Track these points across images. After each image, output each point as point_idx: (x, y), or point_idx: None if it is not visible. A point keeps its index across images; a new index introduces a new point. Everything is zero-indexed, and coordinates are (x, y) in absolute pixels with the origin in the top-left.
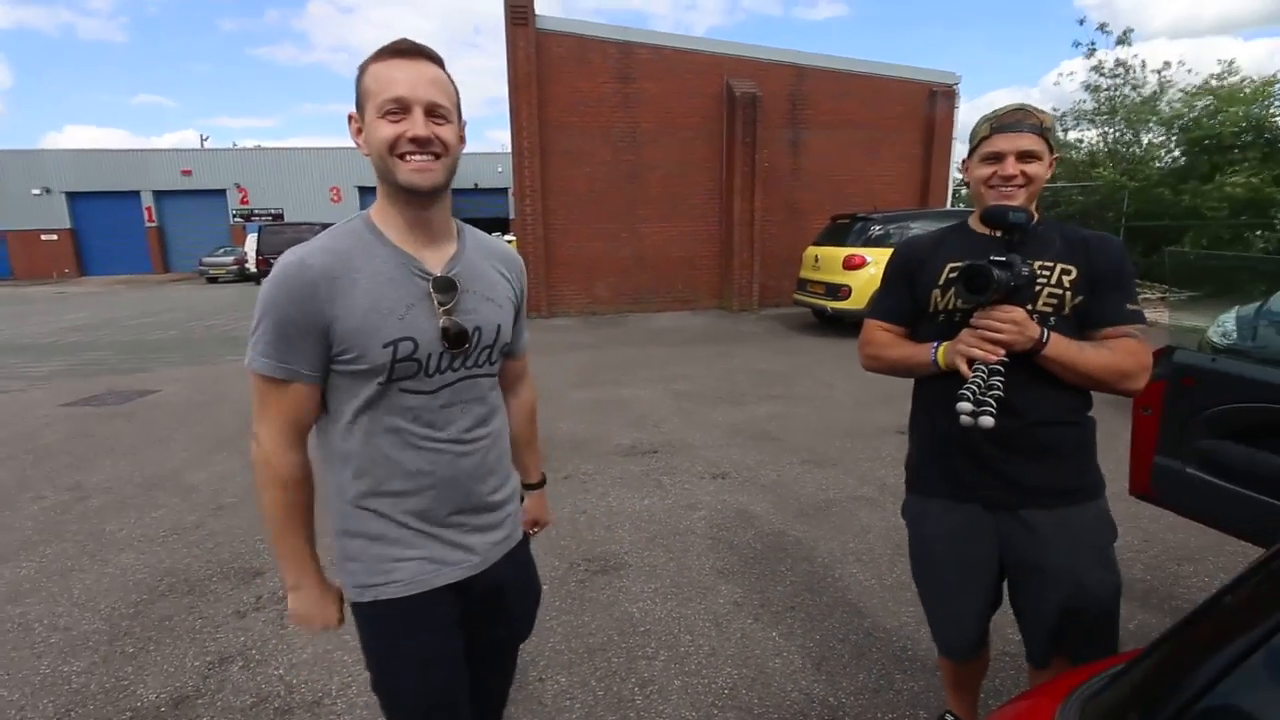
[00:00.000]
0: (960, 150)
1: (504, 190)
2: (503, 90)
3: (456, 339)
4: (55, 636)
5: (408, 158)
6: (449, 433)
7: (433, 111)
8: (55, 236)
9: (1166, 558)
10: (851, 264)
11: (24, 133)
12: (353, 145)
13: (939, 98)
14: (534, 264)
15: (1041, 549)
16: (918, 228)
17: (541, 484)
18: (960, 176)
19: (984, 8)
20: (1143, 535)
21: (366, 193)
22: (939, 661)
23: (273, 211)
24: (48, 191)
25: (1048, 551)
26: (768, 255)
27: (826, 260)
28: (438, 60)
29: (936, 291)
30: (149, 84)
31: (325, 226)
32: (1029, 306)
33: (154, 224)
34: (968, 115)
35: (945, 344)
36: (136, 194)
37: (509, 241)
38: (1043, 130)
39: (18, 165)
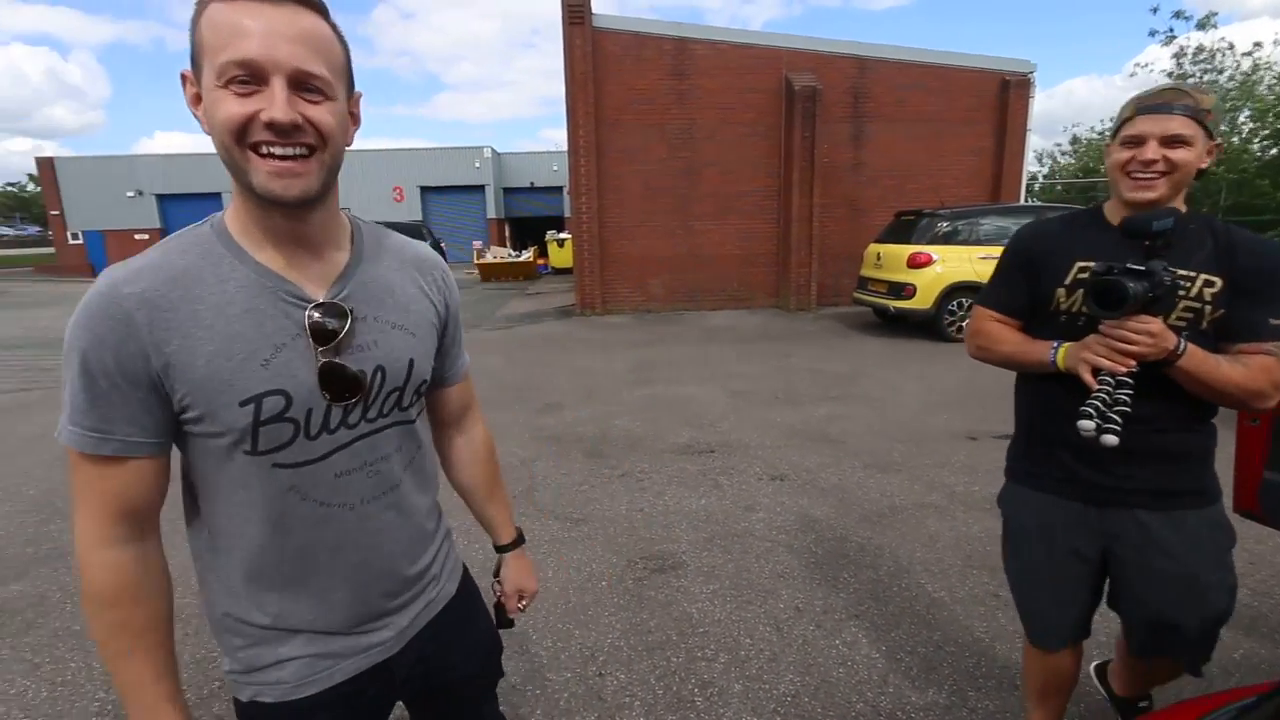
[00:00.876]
0: (1036, 142)
1: (559, 189)
2: (557, 90)
3: (345, 387)
4: None
5: (264, 152)
6: (352, 509)
7: (302, 83)
8: (146, 236)
9: (1275, 582)
10: (916, 262)
11: (120, 139)
12: (416, 146)
13: (1012, 87)
14: (589, 261)
15: (1158, 549)
16: (988, 225)
17: (518, 543)
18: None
19: None
20: (1248, 557)
21: (429, 192)
22: (1024, 667)
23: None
24: (140, 194)
25: (1165, 551)
26: (826, 252)
27: (889, 258)
28: (316, 6)
29: (1061, 290)
30: None
31: (389, 226)
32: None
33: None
34: (1044, 105)
35: (1067, 345)
36: (218, 195)
37: (563, 240)
38: (1197, 113)
39: (115, 170)
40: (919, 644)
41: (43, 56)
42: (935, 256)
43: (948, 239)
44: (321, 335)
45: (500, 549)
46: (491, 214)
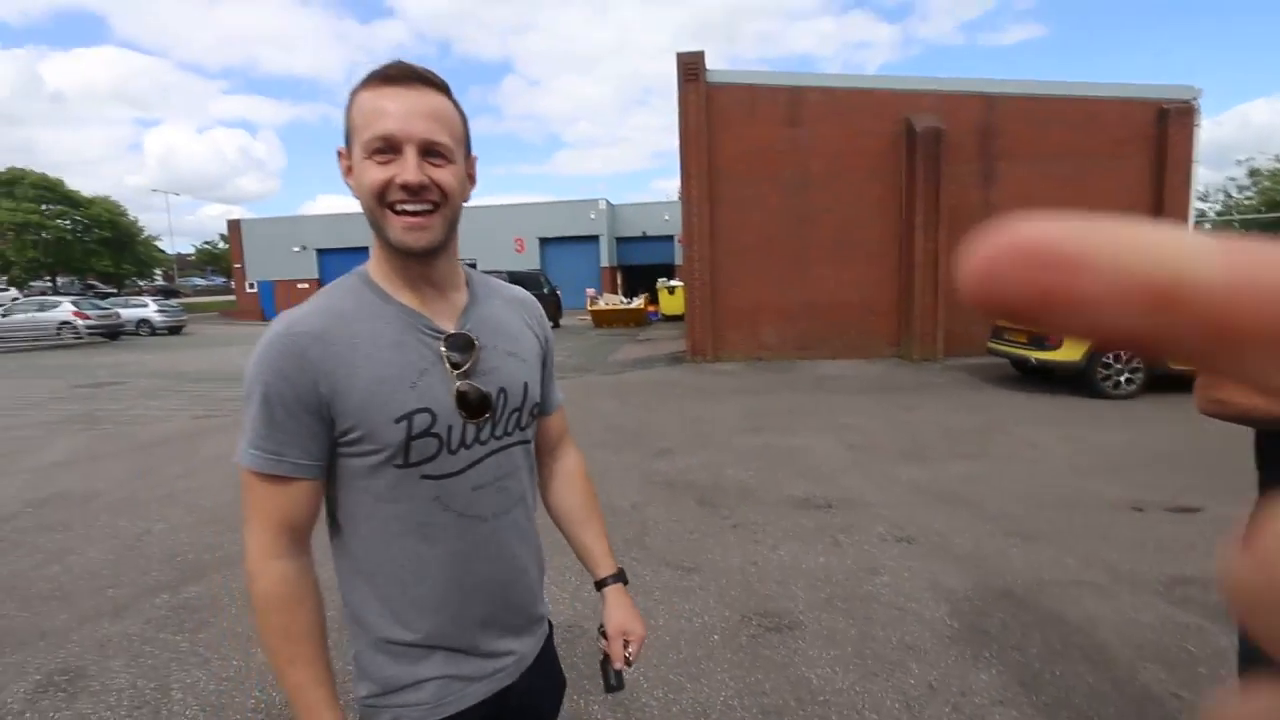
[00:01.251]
0: (1205, 176)
1: (670, 238)
2: (668, 143)
3: (477, 406)
4: None
5: (399, 210)
6: (484, 521)
7: (429, 150)
8: (306, 285)
9: None
10: None
11: (290, 202)
12: (537, 200)
13: (1172, 117)
14: (700, 309)
15: None
16: None
17: (620, 578)
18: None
19: (1220, 7)
20: None
21: (548, 242)
22: None
23: (468, 261)
24: (304, 249)
25: None
26: (954, 299)
27: None
28: (440, 85)
29: None
30: None
31: (511, 274)
32: None
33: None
34: (1212, 134)
35: None
36: (365, 249)
37: (674, 287)
38: None
39: (284, 229)
40: None
41: (237, 136)
42: None
43: None
44: (455, 362)
45: (601, 583)
46: (605, 262)
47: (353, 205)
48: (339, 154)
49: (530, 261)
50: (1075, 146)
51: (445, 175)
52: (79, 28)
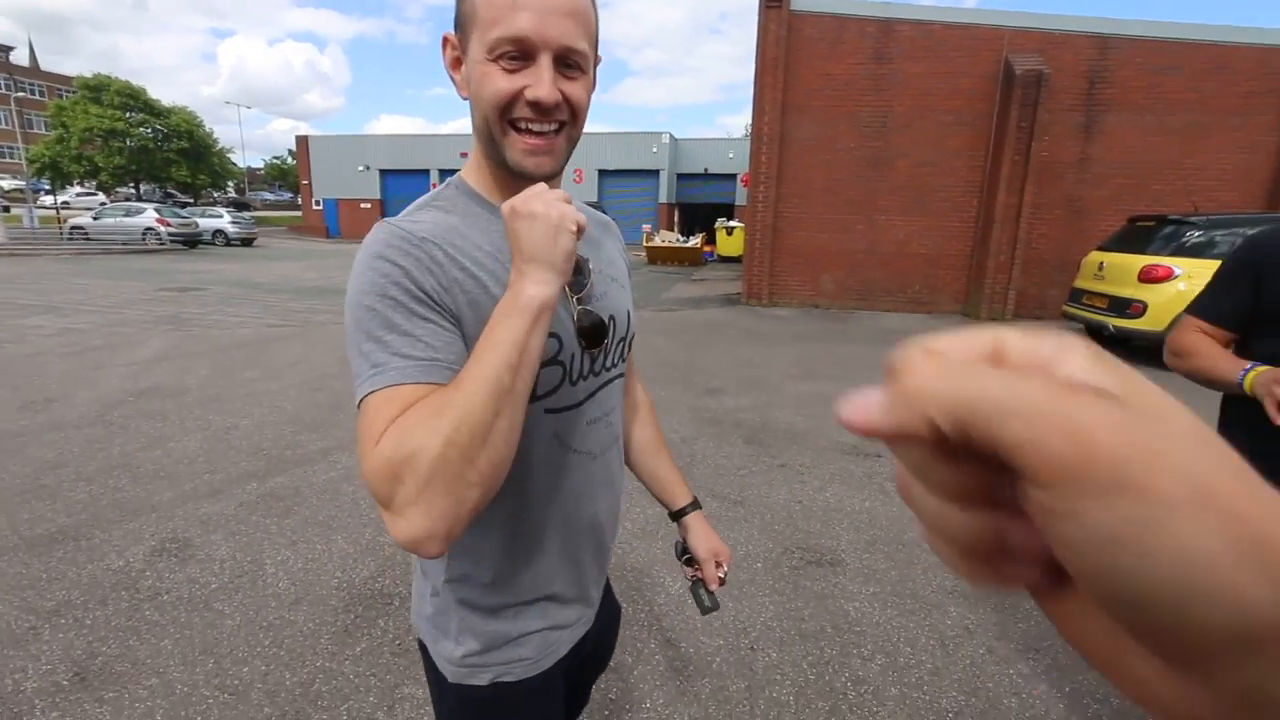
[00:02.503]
0: None
1: (733, 176)
2: (738, 76)
3: (594, 334)
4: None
5: (521, 128)
6: (595, 458)
7: (565, 58)
8: (369, 205)
9: None
10: (1152, 275)
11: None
12: (598, 130)
13: None
14: (760, 251)
15: None
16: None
17: (699, 505)
18: None
19: None
20: None
21: (607, 174)
22: None
23: None
24: (367, 169)
25: None
26: (1031, 258)
27: (1115, 269)
28: None
29: None
30: (440, 79)
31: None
32: None
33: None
34: None
35: (1262, 369)
36: (426, 172)
37: (733, 228)
38: None
39: (348, 147)
40: (1111, 695)
41: (305, 50)
42: (1178, 271)
43: (1198, 251)
44: (574, 285)
45: (679, 513)
46: (663, 198)
47: (412, 126)
48: (445, 41)
49: (588, 193)
50: (1195, 99)
51: (578, 90)
52: None
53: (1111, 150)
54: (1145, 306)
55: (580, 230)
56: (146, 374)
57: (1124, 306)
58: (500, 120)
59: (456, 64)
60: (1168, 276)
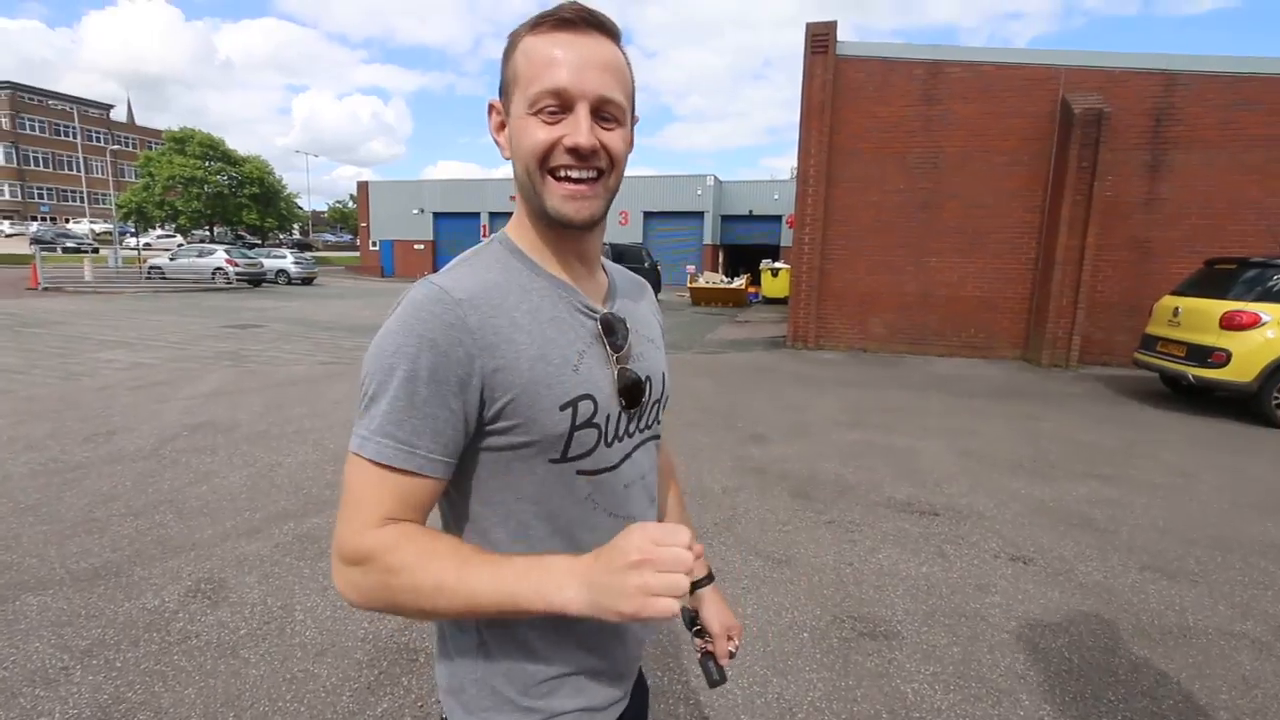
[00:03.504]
0: None
1: (778, 218)
2: (782, 119)
3: (633, 393)
4: None
5: (561, 176)
6: (630, 521)
7: (602, 109)
8: (422, 246)
9: None
10: (1235, 323)
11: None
12: (644, 173)
13: None
14: (806, 293)
15: None
16: None
17: (712, 578)
18: None
19: None
20: None
21: (652, 216)
22: None
23: None
24: (422, 211)
25: None
26: (1096, 302)
27: (1193, 314)
28: (615, 32)
29: None
30: None
31: (613, 246)
32: None
33: (487, 238)
34: None
35: None
36: (477, 214)
37: (778, 270)
38: None
39: (406, 192)
40: None
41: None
42: (1266, 318)
43: None
44: (615, 344)
45: (695, 584)
46: (708, 240)
47: (466, 171)
48: (490, 107)
49: (633, 234)
50: (1274, 134)
51: (615, 139)
52: (248, 0)
53: (1182, 190)
54: (1229, 355)
55: (659, 619)
56: (203, 409)
57: (1205, 355)
58: (540, 169)
59: (501, 128)
60: (1254, 324)
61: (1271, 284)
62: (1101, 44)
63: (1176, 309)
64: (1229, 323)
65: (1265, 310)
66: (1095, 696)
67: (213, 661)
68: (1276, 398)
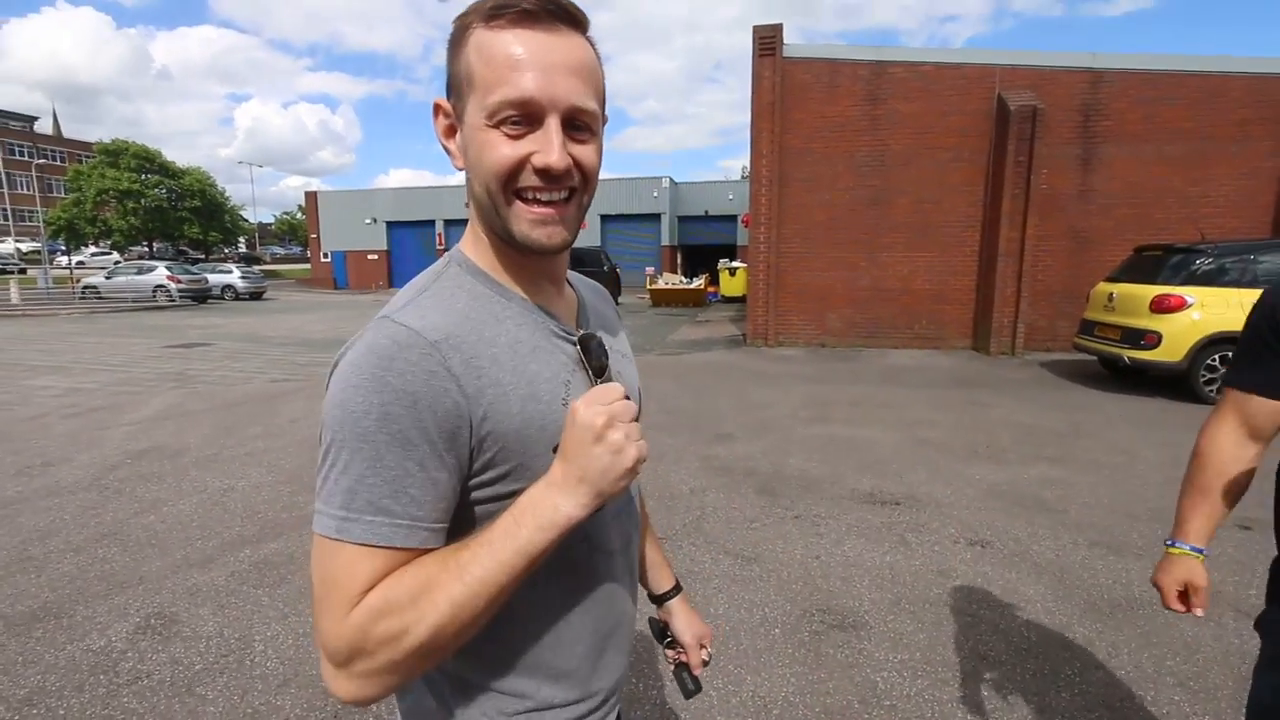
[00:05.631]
0: None
1: (733, 218)
2: (735, 119)
3: None
4: None
5: (529, 198)
6: (619, 554)
7: (574, 119)
8: (376, 256)
9: None
10: (1164, 305)
11: (364, 175)
12: (601, 177)
13: None
14: (763, 291)
15: None
16: (1270, 262)
17: (680, 588)
18: None
19: None
20: None
21: (609, 219)
22: None
23: None
24: (375, 221)
25: None
26: (1038, 291)
27: (1126, 300)
28: (583, 24)
29: None
30: None
31: (572, 251)
32: None
33: (442, 247)
34: None
35: (1182, 553)
36: (431, 222)
37: (735, 269)
38: None
39: (357, 201)
40: None
41: (318, 111)
42: (1190, 300)
43: (1209, 279)
44: (597, 369)
45: (663, 596)
46: (665, 241)
47: (419, 178)
48: (437, 108)
49: (591, 238)
50: (1192, 127)
51: (589, 154)
52: (184, 6)
53: (1112, 181)
54: (1160, 337)
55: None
56: (147, 434)
57: (1138, 337)
58: (504, 191)
59: (450, 132)
60: (1180, 306)
61: (1195, 268)
62: (1032, 44)
63: (1111, 294)
64: (1158, 306)
65: (1190, 293)
66: (1054, 672)
67: (166, 701)
68: (1205, 375)
